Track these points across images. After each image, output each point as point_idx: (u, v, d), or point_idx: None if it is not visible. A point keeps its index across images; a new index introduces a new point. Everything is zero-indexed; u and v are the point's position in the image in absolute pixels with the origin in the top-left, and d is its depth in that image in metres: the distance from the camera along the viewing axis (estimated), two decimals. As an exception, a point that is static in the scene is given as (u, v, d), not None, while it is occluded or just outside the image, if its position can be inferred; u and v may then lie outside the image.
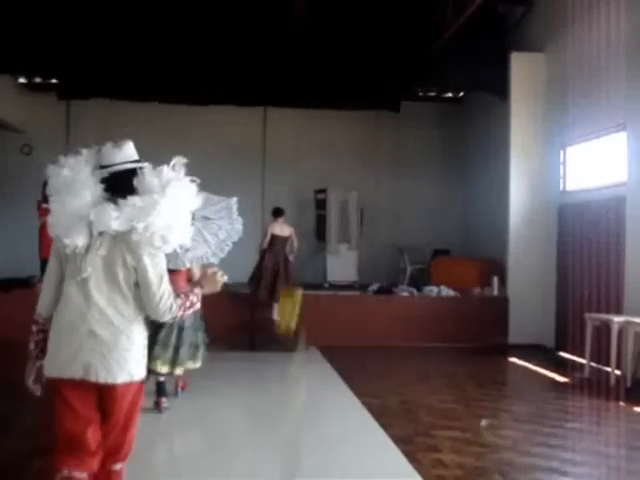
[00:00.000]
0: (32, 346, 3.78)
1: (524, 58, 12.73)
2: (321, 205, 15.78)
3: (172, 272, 3.94)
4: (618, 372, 8.90)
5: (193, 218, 3.96)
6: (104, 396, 3.44)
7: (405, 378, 9.17)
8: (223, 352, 10.66)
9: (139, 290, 3.40)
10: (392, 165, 17.12)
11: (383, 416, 6.88)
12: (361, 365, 10.06)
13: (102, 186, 3.48)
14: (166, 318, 3.45)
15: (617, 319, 8.86)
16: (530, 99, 12.58)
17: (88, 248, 3.38)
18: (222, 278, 3.73)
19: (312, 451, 5.75)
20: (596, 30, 10.67)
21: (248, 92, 14.14)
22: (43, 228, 12.95)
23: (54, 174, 3.70)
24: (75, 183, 3.51)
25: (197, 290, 3.61)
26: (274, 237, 11.52)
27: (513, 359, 11.00)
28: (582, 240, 11.09)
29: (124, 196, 3.41)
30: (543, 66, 12.55)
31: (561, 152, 11.93)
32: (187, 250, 5.23)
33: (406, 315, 12.14)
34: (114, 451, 3.54)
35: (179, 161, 3.89)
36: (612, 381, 8.84)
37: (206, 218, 5.83)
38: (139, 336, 3.46)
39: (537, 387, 9.05)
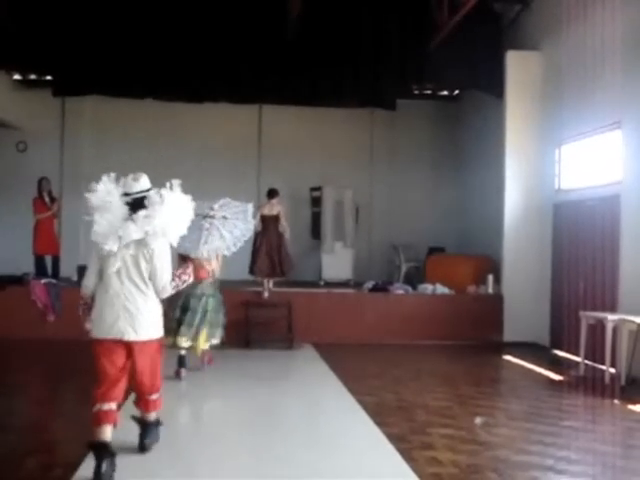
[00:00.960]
0: (80, 312, 5.39)
1: (519, 56, 12.74)
2: (316, 203, 15.78)
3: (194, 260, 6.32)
4: (613, 370, 8.94)
5: (213, 217, 6.70)
6: (134, 350, 5.07)
7: (400, 376, 9.17)
8: (218, 349, 10.68)
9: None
10: (387, 163, 17.13)
11: (378, 414, 6.89)
12: (356, 363, 10.06)
13: (127, 208, 5.14)
14: (163, 297, 5.22)
15: (612, 317, 8.88)
16: (525, 97, 12.59)
17: (117, 250, 5.03)
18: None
19: (307, 449, 5.76)
20: (591, 28, 10.69)
21: (243, 90, 14.08)
22: (38, 225, 12.97)
23: (95, 196, 5.31)
24: (111, 205, 5.16)
25: (189, 270, 5.39)
26: (263, 217, 11.82)
27: (508, 357, 11.02)
28: (577, 238, 11.12)
29: (139, 211, 5.08)
30: (538, 64, 12.56)
31: (556, 150, 11.94)
32: (206, 243, 6.88)
33: (401, 313, 12.15)
34: (149, 387, 5.33)
35: (175, 182, 5.46)
36: (607, 379, 8.87)
37: (225, 218, 7.20)
38: (155, 309, 5.18)
39: (532, 385, 9.06)
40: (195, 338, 8.52)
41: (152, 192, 5.25)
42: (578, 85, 11.04)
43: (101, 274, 5.15)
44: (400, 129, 17.04)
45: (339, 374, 8.89)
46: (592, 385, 9.09)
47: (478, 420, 6.79)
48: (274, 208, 11.98)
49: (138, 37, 12.09)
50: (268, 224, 11.88)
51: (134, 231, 5.02)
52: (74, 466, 5.00)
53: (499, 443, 6.07)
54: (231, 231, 7.16)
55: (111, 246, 5.03)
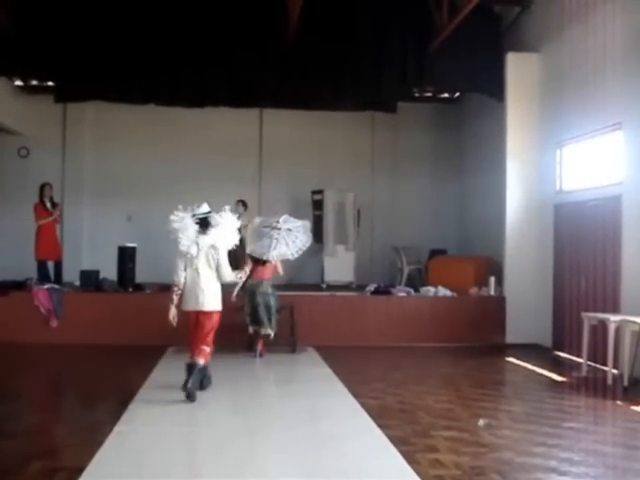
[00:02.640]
0: (175, 299, 7.66)
1: (520, 58, 12.76)
2: (318, 206, 15.77)
3: (264, 262, 8.87)
4: (615, 371, 8.93)
5: (280, 229, 8.77)
6: (204, 317, 7.65)
7: (403, 378, 9.18)
8: (221, 353, 10.68)
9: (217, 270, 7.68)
10: (389, 166, 17.13)
11: (381, 416, 6.90)
12: (359, 366, 10.07)
13: (197, 226, 7.71)
14: (224, 282, 7.80)
15: (614, 318, 8.88)
16: (526, 99, 12.61)
17: (196, 253, 7.64)
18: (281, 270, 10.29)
19: (310, 452, 5.77)
20: (592, 30, 10.69)
21: (244, 93, 14.10)
22: (40, 230, 12.99)
23: (175, 222, 7.76)
24: (187, 226, 7.70)
25: (246, 268, 8.36)
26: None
27: (510, 359, 11.02)
28: (578, 239, 11.12)
29: (206, 229, 7.70)
30: (539, 66, 12.57)
31: (557, 152, 11.95)
32: (275, 249, 8.64)
33: (403, 315, 12.16)
34: (203, 339, 7.68)
35: (227, 210, 7.91)
36: (609, 380, 8.87)
37: (289, 230, 8.96)
38: (217, 291, 7.76)
39: (535, 387, 9.06)
40: (260, 324, 10.44)
41: (213, 214, 7.79)
42: (579, 86, 11.05)
43: (185, 269, 7.67)
44: (401, 132, 17.05)
45: (342, 377, 8.89)
46: (595, 386, 9.09)
47: (481, 422, 6.79)
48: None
49: (139, 43, 12.11)
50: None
51: (206, 241, 7.66)
52: (78, 471, 5.00)
53: (502, 445, 6.08)
54: (294, 241, 8.95)
55: (193, 252, 7.64)
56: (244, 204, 13.74)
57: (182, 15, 12.18)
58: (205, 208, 7.82)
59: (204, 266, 7.64)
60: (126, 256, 12.70)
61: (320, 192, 15.72)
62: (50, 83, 14.98)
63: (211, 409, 7.37)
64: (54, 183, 14.00)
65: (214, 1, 12.35)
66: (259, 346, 10.58)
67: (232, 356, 10.42)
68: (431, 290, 12.80)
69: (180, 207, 7.84)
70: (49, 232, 13.12)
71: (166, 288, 12.64)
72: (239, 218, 12.21)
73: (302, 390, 8.50)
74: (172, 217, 7.78)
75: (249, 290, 10.33)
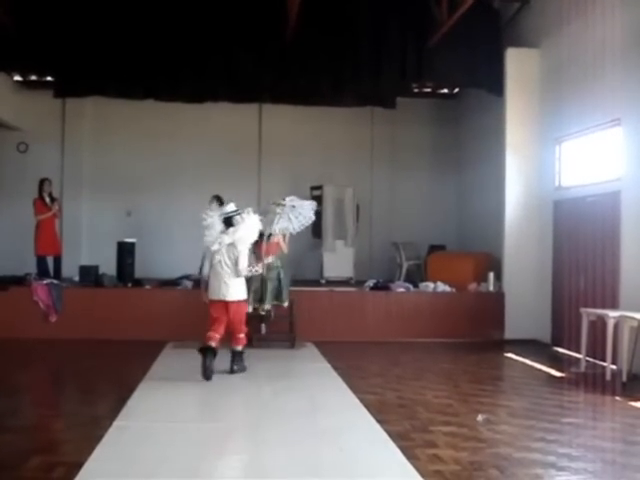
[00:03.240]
0: (204, 287, 8.61)
1: (519, 54, 12.74)
2: (317, 202, 15.69)
3: (269, 237, 9.95)
4: (614, 367, 8.95)
5: (284, 206, 10.05)
6: (230, 307, 8.42)
7: (401, 374, 9.19)
8: (220, 348, 10.69)
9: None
10: (388, 161, 17.14)
11: (380, 412, 6.90)
12: (358, 361, 10.07)
13: (223, 224, 8.47)
14: (240, 276, 8.41)
15: (612, 314, 8.89)
16: (525, 95, 12.60)
17: (218, 249, 8.38)
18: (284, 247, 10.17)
19: (309, 447, 5.78)
20: (591, 25, 10.69)
21: (243, 89, 14.11)
22: (39, 226, 12.98)
23: (208, 219, 8.52)
24: (214, 225, 8.47)
25: (257, 267, 8.84)
26: None
27: (509, 354, 11.04)
28: (577, 235, 11.13)
29: (229, 228, 8.39)
30: (538, 62, 12.56)
31: (556, 147, 11.95)
32: (277, 223, 9.97)
33: (402, 311, 12.17)
34: (238, 328, 8.60)
35: (249, 210, 8.57)
36: (608, 376, 8.88)
37: (293, 207, 10.08)
38: (240, 282, 8.47)
39: (533, 382, 9.06)
40: (279, 299, 10.72)
41: (237, 214, 8.48)
42: (578, 82, 11.05)
43: (211, 263, 8.47)
44: (400, 127, 17.05)
45: (341, 372, 8.91)
46: (593, 382, 9.10)
47: (480, 417, 6.80)
48: None
49: (138, 38, 12.08)
50: None
51: (227, 239, 8.41)
52: (77, 465, 5.01)
53: (501, 440, 6.09)
54: (297, 217, 10.08)
55: (216, 248, 8.41)
56: (219, 199, 13.72)
57: (181, 10, 12.16)
58: (231, 207, 8.58)
59: (226, 261, 8.38)
60: (125, 251, 12.72)
61: (319, 188, 15.71)
62: (49, 78, 15.02)
63: (210, 404, 7.39)
64: (53, 178, 13.99)
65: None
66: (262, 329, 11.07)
67: (228, 351, 10.43)
68: (430, 286, 12.80)
69: (210, 207, 9.18)
70: (48, 227, 13.11)
71: (165, 283, 12.75)
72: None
73: (301, 385, 8.51)
74: (203, 215, 8.61)
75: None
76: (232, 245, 8.36)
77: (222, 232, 8.41)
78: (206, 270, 8.57)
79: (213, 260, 8.44)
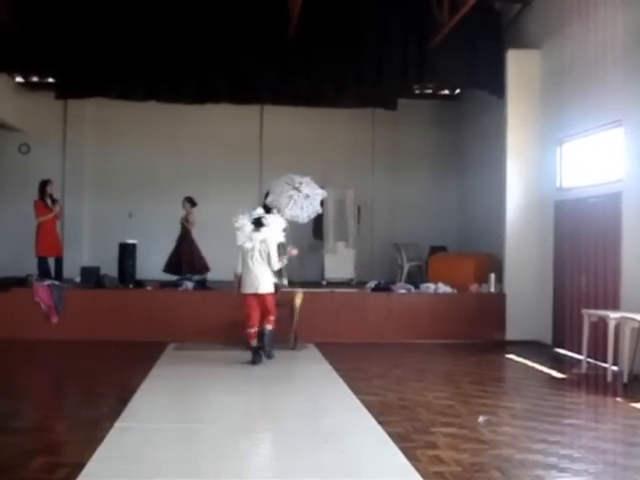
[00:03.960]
0: (236, 283, 9.66)
1: (521, 55, 12.74)
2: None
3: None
4: (615, 368, 8.94)
5: (300, 191, 10.70)
6: (261, 298, 9.44)
7: (403, 375, 9.19)
8: (221, 350, 10.71)
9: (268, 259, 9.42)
10: (389, 163, 17.16)
11: (381, 413, 6.91)
12: (359, 362, 10.07)
13: (252, 225, 9.44)
14: (274, 269, 9.49)
15: (614, 315, 8.89)
16: (527, 96, 12.60)
17: (251, 247, 9.38)
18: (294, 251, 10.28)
19: (310, 448, 5.78)
20: (593, 27, 10.70)
21: (245, 90, 14.13)
22: (40, 227, 12.99)
23: (239, 222, 9.49)
24: (245, 227, 9.43)
25: (286, 256, 9.92)
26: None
27: (510, 355, 11.03)
28: (579, 236, 11.13)
29: (260, 228, 9.41)
30: (540, 63, 12.56)
31: (558, 148, 11.95)
32: (290, 209, 10.57)
33: (404, 312, 12.17)
34: (269, 311, 9.52)
35: (277, 213, 10.09)
36: (609, 377, 8.88)
37: (307, 196, 10.69)
38: (270, 276, 9.49)
39: (535, 383, 9.06)
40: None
41: (264, 217, 9.56)
42: (579, 83, 11.05)
43: (244, 260, 9.47)
44: (401, 129, 17.07)
45: (342, 373, 8.90)
46: (595, 383, 9.11)
47: (481, 419, 6.80)
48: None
49: (139, 39, 12.10)
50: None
51: (259, 237, 9.44)
52: (79, 467, 5.01)
53: (502, 441, 6.09)
54: (307, 207, 10.68)
55: (249, 246, 9.42)
56: (191, 201, 13.93)
57: (182, 11, 12.17)
58: (260, 212, 9.68)
59: (258, 257, 9.42)
60: (127, 252, 12.73)
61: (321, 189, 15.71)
62: (51, 80, 15.03)
63: (211, 406, 7.38)
64: (55, 180, 14.00)
65: (215, -2, 12.37)
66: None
67: (233, 353, 10.44)
68: (431, 287, 12.80)
69: (240, 211, 9.66)
70: (49, 229, 13.12)
71: (166, 285, 12.76)
72: (186, 215, 13.69)
73: (302, 387, 8.51)
74: (233, 219, 9.56)
75: None
76: (263, 243, 9.41)
77: (253, 232, 9.44)
78: (239, 268, 9.55)
79: (246, 258, 9.45)
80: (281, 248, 9.91)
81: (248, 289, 9.49)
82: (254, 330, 9.54)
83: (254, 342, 9.52)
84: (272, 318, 9.68)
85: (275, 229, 9.63)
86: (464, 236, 16.60)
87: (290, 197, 10.63)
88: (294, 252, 10.17)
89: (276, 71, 12.69)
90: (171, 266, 13.69)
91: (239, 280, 9.59)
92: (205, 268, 13.79)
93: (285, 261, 9.93)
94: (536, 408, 7.48)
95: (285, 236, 10.12)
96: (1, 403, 7.35)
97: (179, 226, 13.90)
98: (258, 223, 9.50)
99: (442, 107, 17.44)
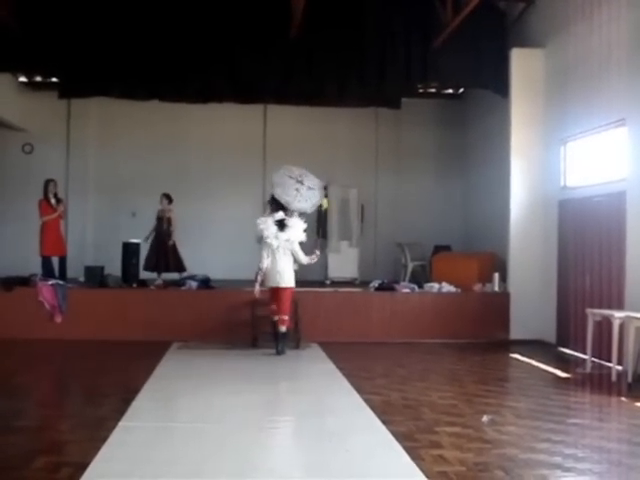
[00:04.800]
0: (259, 278, 10.22)
1: (524, 54, 12.71)
2: (322, 202, 15.77)
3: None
4: (619, 367, 8.92)
5: (303, 184, 11.17)
6: (282, 292, 10.26)
7: (407, 374, 9.18)
8: (225, 349, 10.72)
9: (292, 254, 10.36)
10: (392, 162, 17.15)
11: (385, 413, 6.90)
12: (363, 362, 10.07)
13: (276, 225, 10.30)
14: (302, 264, 10.50)
15: (618, 314, 8.87)
16: (530, 95, 12.57)
17: (276, 245, 10.23)
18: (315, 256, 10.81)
19: (314, 448, 5.77)
20: (597, 26, 10.67)
21: (248, 89, 14.11)
22: (44, 226, 12.99)
23: (262, 223, 10.37)
24: (269, 226, 10.30)
25: (317, 252, 10.75)
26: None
27: (514, 355, 11.02)
28: (583, 236, 11.10)
29: (284, 228, 10.32)
30: (543, 62, 12.53)
31: (561, 148, 11.93)
32: (299, 202, 10.95)
33: (407, 312, 12.16)
34: (283, 309, 10.25)
35: (295, 215, 10.68)
36: (613, 376, 8.86)
37: (310, 188, 11.19)
38: (291, 272, 10.35)
39: (539, 383, 9.05)
40: None
41: (286, 219, 10.43)
42: (583, 82, 11.03)
43: (270, 257, 10.23)
44: (405, 128, 17.07)
45: (346, 373, 8.90)
46: (599, 382, 9.09)
47: (485, 418, 6.79)
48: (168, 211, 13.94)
49: (142, 39, 12.11)
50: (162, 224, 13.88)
51: (283, 236, 10.27)
52: (82, 466, 5.01)
53: (506, 441, 6.08)
54: (311, 198, 11.20)
55: (275, 244, 10.23)
56: (168, 197, 13.97)
57: (185, 11, 12.18)
58: (281, 214, 10.50)
59: (281, 254, 10.25)
60: (130, 252, 12.74)
61: (324, 188, 15.71)
62: (54, 79, 15.02)
63: (215, 405, 7.38)
64: (58, 179, 13.97)
65: (218, -3, 12.36)
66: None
67: (236, 352, 10.45)
68: (435, 286, 12.79)
69: (264, 214, 11.03)
70: (53, 228, 13.11)
71: (170, 284, 12.77)
72: (162, 211, 13.92)
73: (306, 386, 8.51)
74: (258, 221, 10.49)
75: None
76: (287, 241, 10.26)
77: (278, 232, 10.29)
78: (265, 263, 10.24)
79: (272, 254, 10.26)
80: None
81: (271, 283, 10.28)
82: (278, 318, 10.32)
83: (280, 329, 10.31)
84: (286, 318, 10.31)
85: (297, 230, 10.40)
86: (468, 235, 16.58)
87: (297, 190, 11.08)
88: (317, 253, 10.78)
89: (279, 71, 12.69)
90: (147, 263, 13.67)
91: (263, 276, 10.26)
92: (181, 268, 13.74)
93: (314, 258, 10.61)
94: (540, 407, 7.46)
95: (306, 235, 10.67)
96: (4, 402, 7.35)
97: (155, 221, 13.95)
98: (281, 224, 10.33)
99: (446, 106, 17.43)
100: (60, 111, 16.17)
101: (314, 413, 7.13)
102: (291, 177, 11.21)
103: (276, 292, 10.34)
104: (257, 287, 10.22)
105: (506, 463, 5.43)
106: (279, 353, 10.20)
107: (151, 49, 12.17)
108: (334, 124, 16.81)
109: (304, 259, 10.41)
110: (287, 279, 10.30)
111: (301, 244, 10.51)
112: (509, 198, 12.64)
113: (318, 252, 10.82)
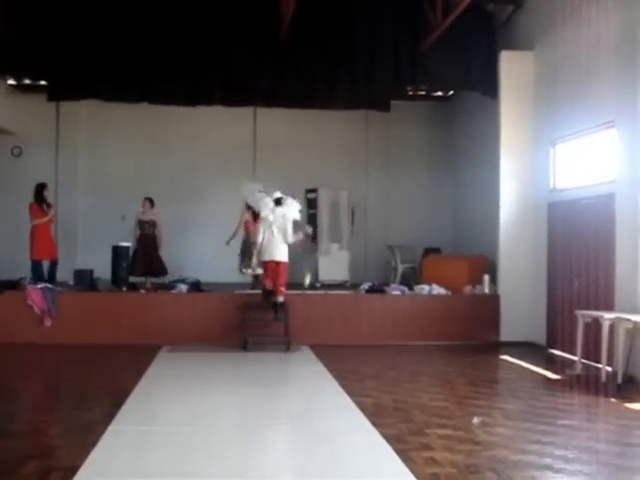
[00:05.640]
0: (255, 252, 11.69)
1: (513, 56, 12.76)
2: (312, 205, 15.78)
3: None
4: (609, 368, 8.94)
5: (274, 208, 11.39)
6: (277, 266, 11.13)
7: (397, 377, 9.19)
8: (215, 352, 10.70)
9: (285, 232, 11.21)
10: (382, 164, 17.17)
11: (376, 415, 6.90)
12: (353, 364, 10.07)
13: (273, 203, 11.27)
14: (288, 242, 11.18)
15: (608, 316, 8.90)
16: (519, 97, 12.61)
17: (272, 220, 11.16)
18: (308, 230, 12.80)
19: (304, 450, 5.77)
20: (585, 28, 10.72)
21: (238, 92, 14.11)
22: (35, 230, 12.91)
23: (263, 201, 11.45)
24: (267, 202, 11.31)
25: (300, 233, 11.57)
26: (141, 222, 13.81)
27: (505, 357, 11.04)
28: (572, 237, 11.14)
29: (280, 205, 11.23)
30: (532, 64, 12.58)
31: (551, 150, 11.97)
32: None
33: (398, 314, 12.17)
34: (281, 280, 11.13)
35: (293, 197, 11.72)
36: (603, 377, 8.88)
37: (283, 215, 11.35)
38: (285, 247, 11.20)
39: (529, 384, 9.07)
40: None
41: (283, 197, 11.33)
42: (572, 84, 11.07)
43: (265, 232, 11.06)
44: (395, 130, 17.09)
45: (336, 375, 8.89)
46: (589, 384, 9.13)
47: (476, 420, 6.80)
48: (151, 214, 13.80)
49: (132, 41, 12.09)
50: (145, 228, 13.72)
51: (279, 213, 11.07)
52: (72, 470, 4.99)
53: (497, 443, 6.08)
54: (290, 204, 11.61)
55: (271, 218, 11.07)
56: (151, 201, 13.88)
57: (176, 14, 12.17)
58: (279, 193, 11.40)
59: (277, 229, 11.05)
60: (120, 255, 12.68)
61: (314, 191, 15.74)
62: (43, 82, 14.96)
63: (205, 408, 7.36)
64: (48, 182, 13.89)
65: (208, 0, 12.34)
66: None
67: (227, 355, 10.43)
68: (425, 288, 12.80)
69: (262, 189, 12.15)
70: (44, 232, 13.02)
71: (160, 287, 12.73)
72: (143, 213, 13.82)
73: (296, 388, 8.51)
74: (257, 195, 11.94)
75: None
76: (282, 217, 11.09)
77: (275, 207, 11.15)
78: (260, 238, 11.17)
79: (266, 229, 11.09)
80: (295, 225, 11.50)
81: (267, 256, 11.14)
82: (270, 286, 11.17)
83: (269, 286, 11.20)
84: (283, 289, 11.18)
85: (293, 208, 11.31)
86: (458, 238, 16.61)
87: (268, 207, 11.47)
88: (309, 230, 12.17)
89: (269, 73, 12.69)
90: (135, 268, 13.47)
91: (258, 253, 11.43)
92: (163, 271, 13.62)
93: (301, 236, 11.52)
94: (530, 409, 7.48)
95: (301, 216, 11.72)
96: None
97: (137, 225, 13.75)
98: (278, 202, 11.23)
99: (435, 109, 17.46)
100: (49, 114, 16.10)
101: (304, 415, 7.13)
102: (261, 191, 12.24)
103: (271, 265, 11.16)
104: (254, 260, 11.74)
105: (497, 465, 5.44)
106: (277, 320, 11.10)
107: (141, 52, 12.14)
108: (324, 127, 16.81)
109: (291, 237, 11.15)
110: (282, 253, 11.13)
111: (295, 224, 11.28)
112: (499, 200, 12.67)
113: (308, 230, 12.28)
